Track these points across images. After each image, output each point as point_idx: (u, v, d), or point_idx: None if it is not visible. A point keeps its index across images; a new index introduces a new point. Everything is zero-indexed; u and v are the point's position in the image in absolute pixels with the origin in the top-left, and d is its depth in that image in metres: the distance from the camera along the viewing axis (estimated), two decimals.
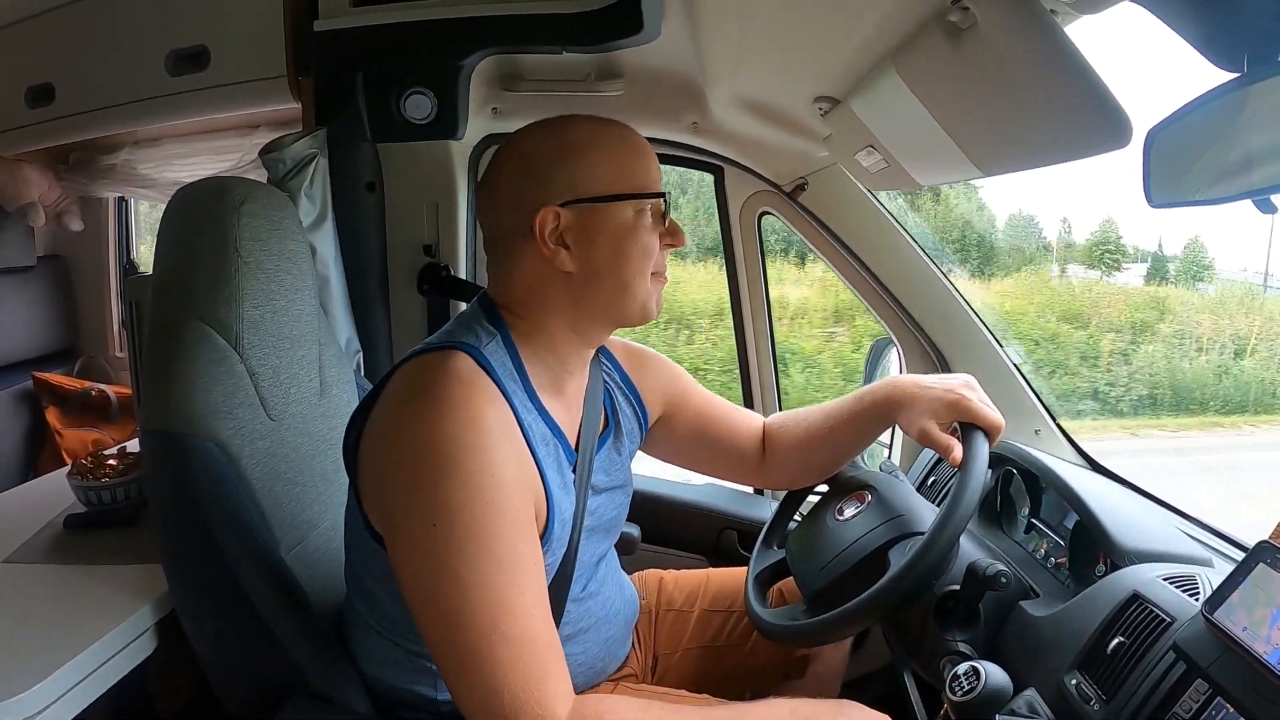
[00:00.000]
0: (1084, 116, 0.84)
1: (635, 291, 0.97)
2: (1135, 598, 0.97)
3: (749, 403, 1.94)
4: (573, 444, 1.03)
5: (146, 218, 2.67)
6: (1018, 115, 0.94)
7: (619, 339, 1.21)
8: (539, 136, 0.98)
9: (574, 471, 1.02)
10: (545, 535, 0.93)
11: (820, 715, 0.94)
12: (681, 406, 1.24)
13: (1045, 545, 1.27)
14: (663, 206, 0.98)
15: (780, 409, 1.93)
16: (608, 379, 1.15)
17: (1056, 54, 0.82)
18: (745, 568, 1.29)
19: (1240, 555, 1.16)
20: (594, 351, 1.07)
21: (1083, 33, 0.88)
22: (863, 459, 1.30)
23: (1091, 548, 1.16)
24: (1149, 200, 0.84)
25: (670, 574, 1.38)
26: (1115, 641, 0.93)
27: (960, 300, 1.72)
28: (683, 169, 1.95)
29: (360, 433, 0.93)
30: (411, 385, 0.90)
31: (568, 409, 1.03)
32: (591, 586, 1.09)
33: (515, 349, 0.97)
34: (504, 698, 0.81)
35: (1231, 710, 0.79)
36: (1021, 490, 1.38)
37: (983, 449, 1.04)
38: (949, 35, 0.91)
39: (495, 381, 0.91)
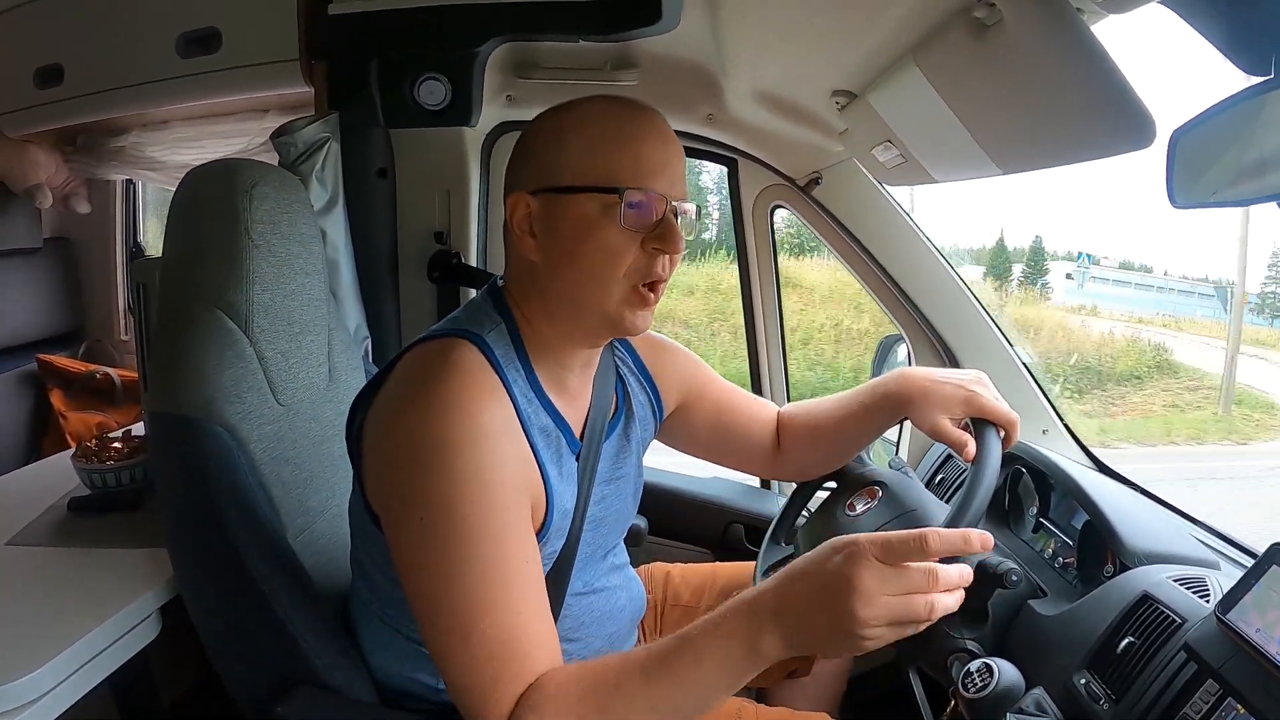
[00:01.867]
0: (1108, 116, 0.84)
1: (593, 297, 0.91)
2: (1146, 598, 0.97)
3: (758, 392, 1.94)
4: (577, 433, 1.02)
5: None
6: (1041, 113, 0.93)
7: None
8: (544, 117, 0.95)
9: (578, 461, 1.01)
10: (544, 527, 0.93)
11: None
12: (701, 397, 1.22)
13: (1053, 545, 1.27)
14: (639, 205, 0.88)
15: (789, 399, 1.93)
16: (620, 365, 1.14)
17: (1083, 53, 0.81)
18: (752, 562, 1.28)
19: (1246, 559, 1.17)
20: (596, 351, 1.03)
21: (1109, 32, 0.88)
22: (869, 455, 1.30)
23: (1100, 548, 1.15)
24: (1172, 201, 0.84)
25: (677, 568, 1.38)
26: (1125, 642, 0.94)
27: (971, 298, 1.72)
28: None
29: (364, 418, 0.93)
30: (413, 375, 0.90)
31: (573, 398, 1.02)
32: (596, 582, 1.08)
33: (520, 337, 0.96)
34: (474, 693, 0.82)
35: (1242, 711, 0.79)
36: (1030, 489, 1.37)
37: (996, 445, 1.04)
38: (973, 31, 0.91)
39: (497, 371, 0.90)
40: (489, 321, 0.95)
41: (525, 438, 0.91)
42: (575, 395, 1.03)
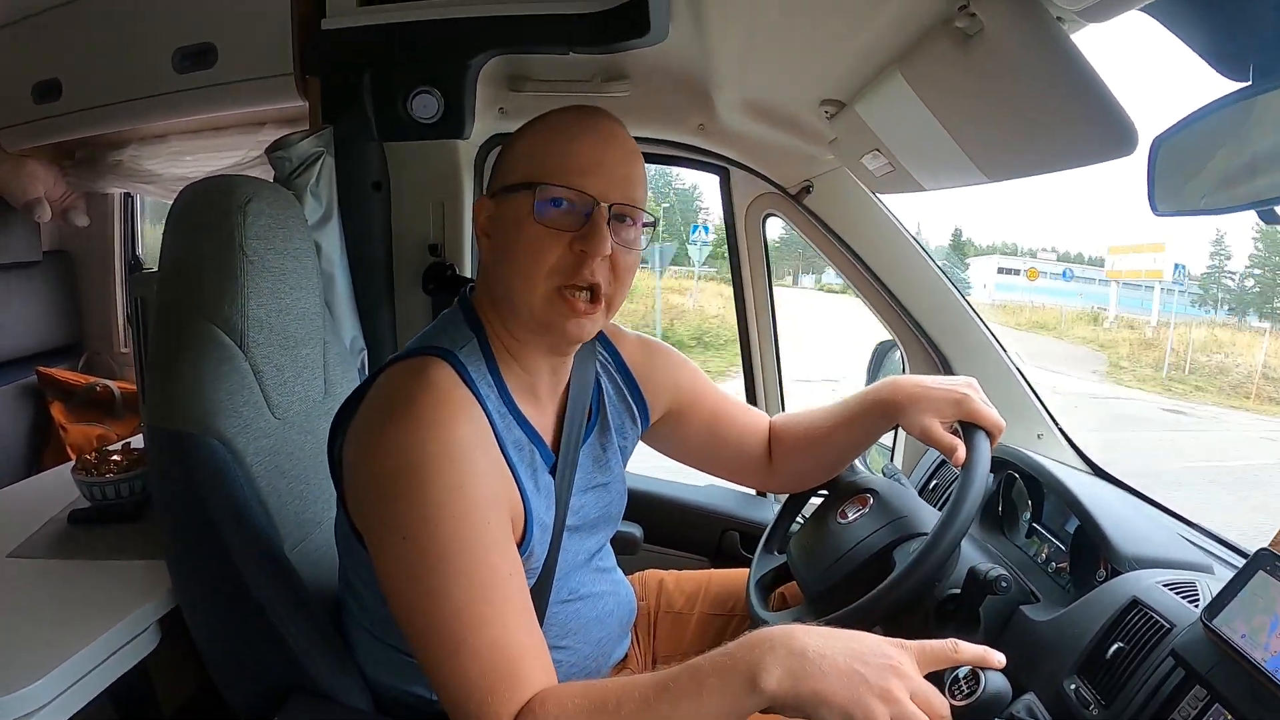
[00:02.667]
0: (1090, 124, 0.84)
1: (520, 295, 0.92)
2: (1135, 604, 0.97)
3: (752, 401, 1.94)
4: (550, 444, 1.02)
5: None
6: (1024, 122, 0.94)
7: (634, 334, 1.20)
8: (520, 129, 0.99)
9: (552, 474, 1.01)
10: (524, 542, 0.93)
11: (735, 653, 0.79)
12: (694, 404, 1.23)
13: (1046, 550, 1.27)
14: (554, 200, 0.89)
15: (783, 408, 1.94)
16: (601, 372, 1.14)
17: (1063, 61, 0.82)
18: (746, 569, 1.29)
19: (1240, 561, 1.17)
20: (563, 358, 1.03)
21: (1089, 40, 0.89)
22: (864, 463, 1.30)
23: (1092, 553, 1.16)
24: (1153, 208, 0.84)
25: (671, 575, 1.38)
26: (1115, 647, 0.94)
27: (964, 304, 1.72)
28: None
29: (344, 438, 0.94)
30: (387, 397, 0.90)
31: (543, 406, 1.03)
32: (581, 589, 1.08)
33: (490, 350, 0.97)
34: (470, 707, 0.82)
35: (1229, 717, 0.79)
36: (1023, 494, 1.38)
37: (985, 449, 1.05)
38: (956, 41, 0.91)
39: (470, 387, 0.91)
40: (460, 336, 0.96)
41: (502, 454, 0.91)
42: (546, 403, 1.03)
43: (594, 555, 1.12)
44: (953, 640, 0.79)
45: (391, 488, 0.84)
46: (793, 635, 0.77)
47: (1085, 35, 0.90)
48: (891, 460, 1.83)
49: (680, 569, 1.41)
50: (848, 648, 0.75)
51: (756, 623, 1.15)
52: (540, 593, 0.99)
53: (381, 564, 0.87)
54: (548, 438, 1.02)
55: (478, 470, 0.86)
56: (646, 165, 0.99)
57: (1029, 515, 1.35)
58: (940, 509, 1.13)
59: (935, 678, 1.02)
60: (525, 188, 0.90)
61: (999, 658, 0.79)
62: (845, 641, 0.76)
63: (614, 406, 1.14)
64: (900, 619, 1.06)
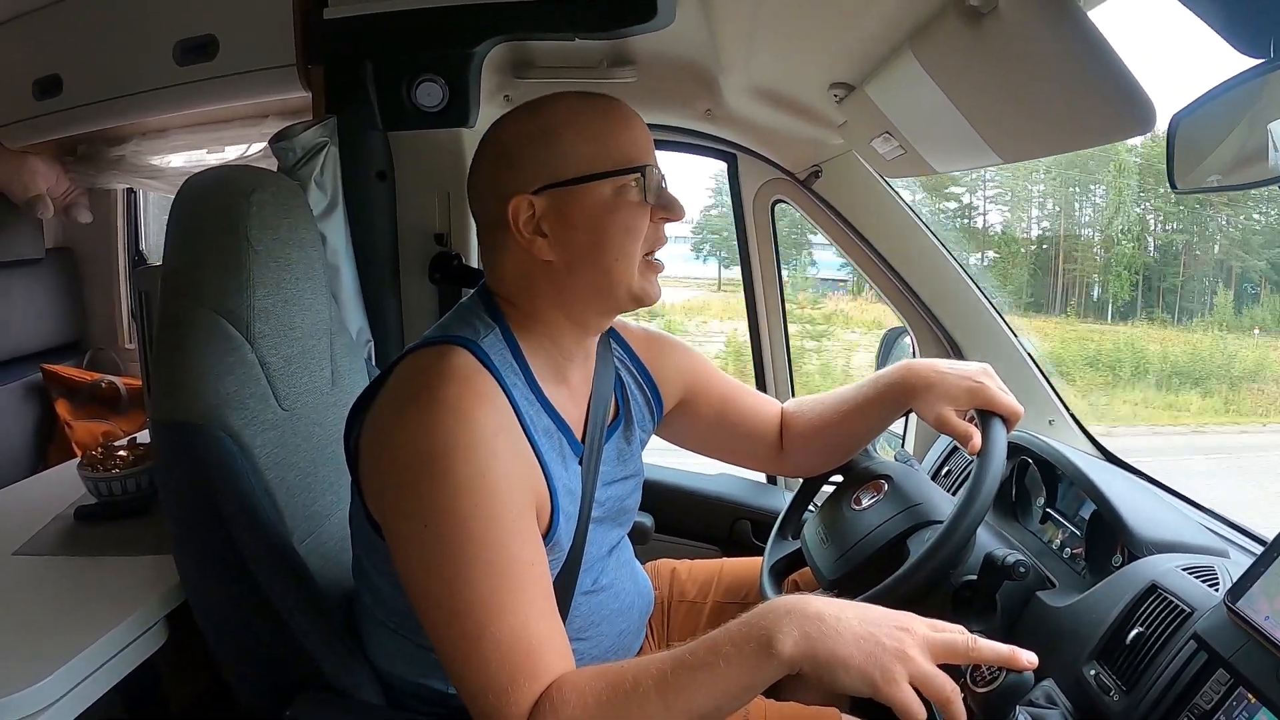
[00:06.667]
0: (1107, 102, 0.83)
1: (620, 275, 0.94)
2: (1154, 588, 0.96)
3: (761, 388, 1.94)
4: (578, 434, 1.01)
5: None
6: (1039, 101, 0.93)
7: (638, 326, 1.20)
8: (516, 120, 0.96)
9: (581, 464, 1.00)
10: (550, 531, 0.93)
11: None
12: (703, 392, 1.22)
13: (1061, 535, 1.26)
14: (656, 179, 0.94)
15: (793, 394, 1.93)
16: (620, 366, 1.13)
17: (1080, 39, 0.81)
18: (759, 558, 1.28)
19: (1255, 547, 1.16)
20: (596, 339, 1.05)
21: (1106, 17, 0.87)
22: (875, 448, 1.29)
23: (1109, 538, 1.15)
24: (1173, 185, 0.83)
25: (683, 564, 1.37)
26: (1135, 632, 0.93)
27: (975, 289, 1.71)
28: None
29: (361, 429, 0.93)
30: (407, 384, 0.90)
31: (573, 399, 1.02)
32: (603, 580, 1.07)
33: (515, 340, 0.96)
34: (489, 697, 0.81)
35: (1253, 700, 0.78)
36: (1037, 480, 1.37)
37: (1002, 437, 1.03)
38: (969, 20, 0.90)
39: (495, 375, 0.90)
40: (482, 326, 0.95)
41: (527, 440, 0.91)
42: (576, 390, 1.03)
43: (614, 547, 1.12)
44: (969, 635, 0.78)
45: (412, 475, 0.83)
46: (807, 601, 0.78)
47: (1101, 12, 0.89)
48: (902, 445, 1.82)
49: (691, 558, 1.40)
50: (860, 613, 0.77)
51: None
52: (565, 584, 0.98)
53: (400, 552, 0.86)
54: (576, 429, 1.01)
55: (500, 457, 0.85)
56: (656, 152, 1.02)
57: (1043, 501, 1.34)
58: (954, 494, 1.12)
59: (952, 667, 1.01)
60: (624, 173, 0.92)
61: (1029, 659, 0.78)
62: (857, 609, 0.78)
63: (635, 399, 1.14)
64: (916, 606, 1.05)
